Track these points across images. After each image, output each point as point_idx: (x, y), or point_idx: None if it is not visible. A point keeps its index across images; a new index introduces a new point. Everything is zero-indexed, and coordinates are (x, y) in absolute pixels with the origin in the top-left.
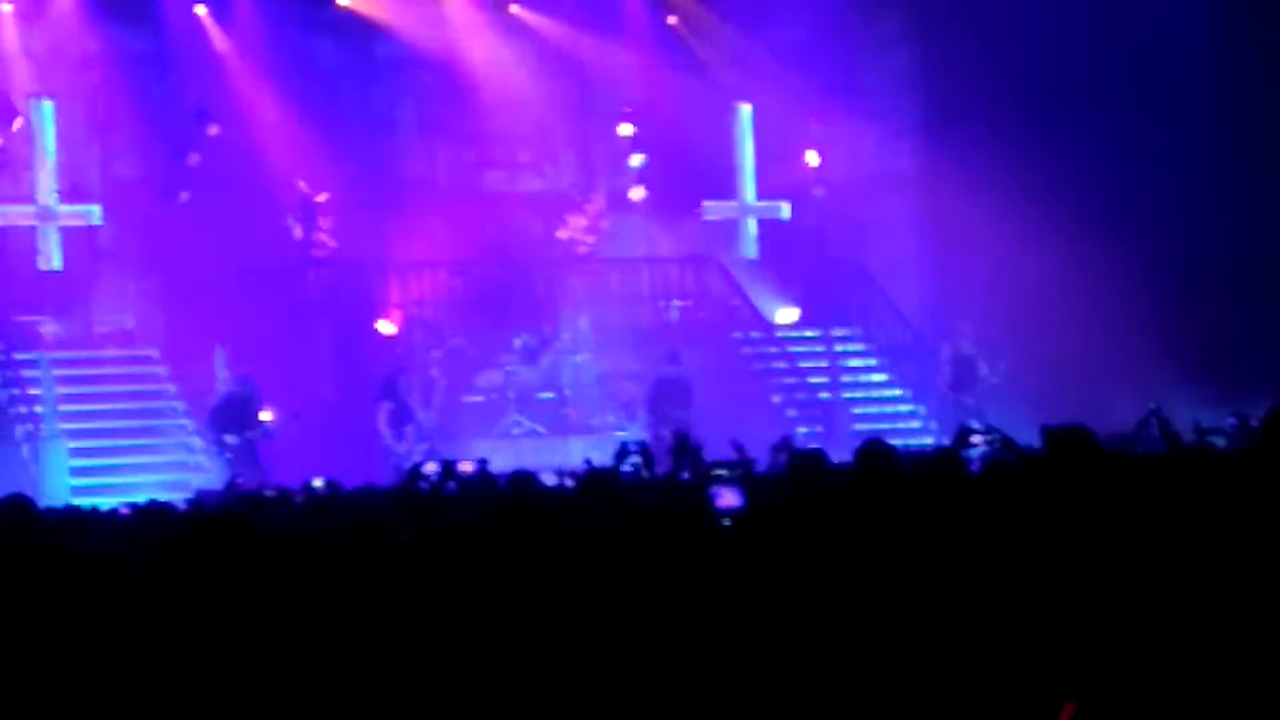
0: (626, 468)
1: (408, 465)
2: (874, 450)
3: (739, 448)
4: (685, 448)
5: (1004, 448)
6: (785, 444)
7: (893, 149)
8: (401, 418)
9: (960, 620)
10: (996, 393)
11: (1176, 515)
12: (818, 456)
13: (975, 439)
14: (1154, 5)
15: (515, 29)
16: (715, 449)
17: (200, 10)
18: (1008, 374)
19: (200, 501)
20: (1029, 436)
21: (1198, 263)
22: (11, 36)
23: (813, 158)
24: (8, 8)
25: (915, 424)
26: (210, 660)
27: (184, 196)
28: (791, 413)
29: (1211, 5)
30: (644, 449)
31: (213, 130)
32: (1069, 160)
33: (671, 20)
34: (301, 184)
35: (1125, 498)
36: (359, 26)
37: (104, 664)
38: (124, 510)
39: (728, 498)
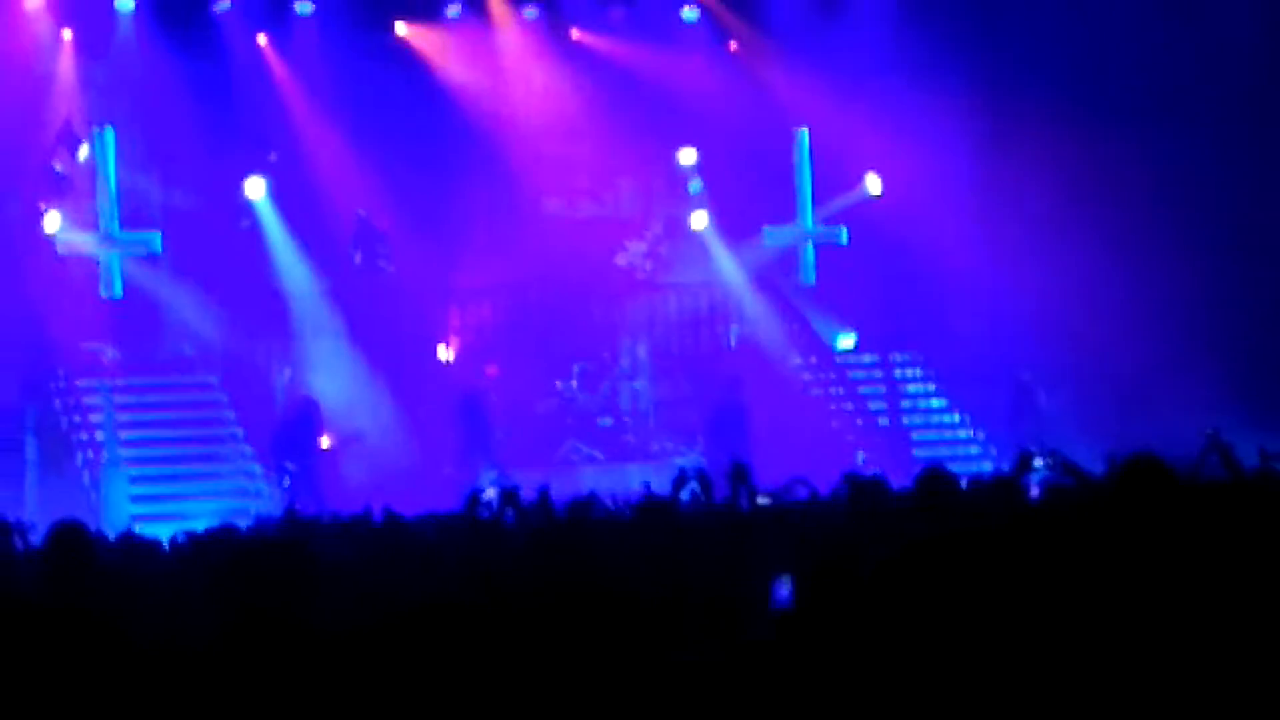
0: (684, 495)
1: (469, 492)
2: (934, 477)
3: (804, 483)
4: (742, 475)
5: (1065, 473)
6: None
7: (951, 171)
8: (474, 442)
9: (1026, 650)
10: (1056, 418)
11: (1243, 545)
12: (877, 485)
13: (1036, 464)
14: (1216, 21)
15: (575, 54)
16: (775, 476)
17: (261, 39)
18: (1068, 398)
19: (260, 527)
20: (1090, 461)
21: (1260, 284)
22: (73, 64)
23: (873, 183)
24: (69, 35)
25: (974, 449)
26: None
27: (245, 224)
28: (850, 438)
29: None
30: (702, 475)
31: (272, 157)
32: (1130, 182)
33: (733, 45)
34: (361, 211)
35: (1193, 527)
36: (418, 54)
37: (163, 690)
38: (181, 538)
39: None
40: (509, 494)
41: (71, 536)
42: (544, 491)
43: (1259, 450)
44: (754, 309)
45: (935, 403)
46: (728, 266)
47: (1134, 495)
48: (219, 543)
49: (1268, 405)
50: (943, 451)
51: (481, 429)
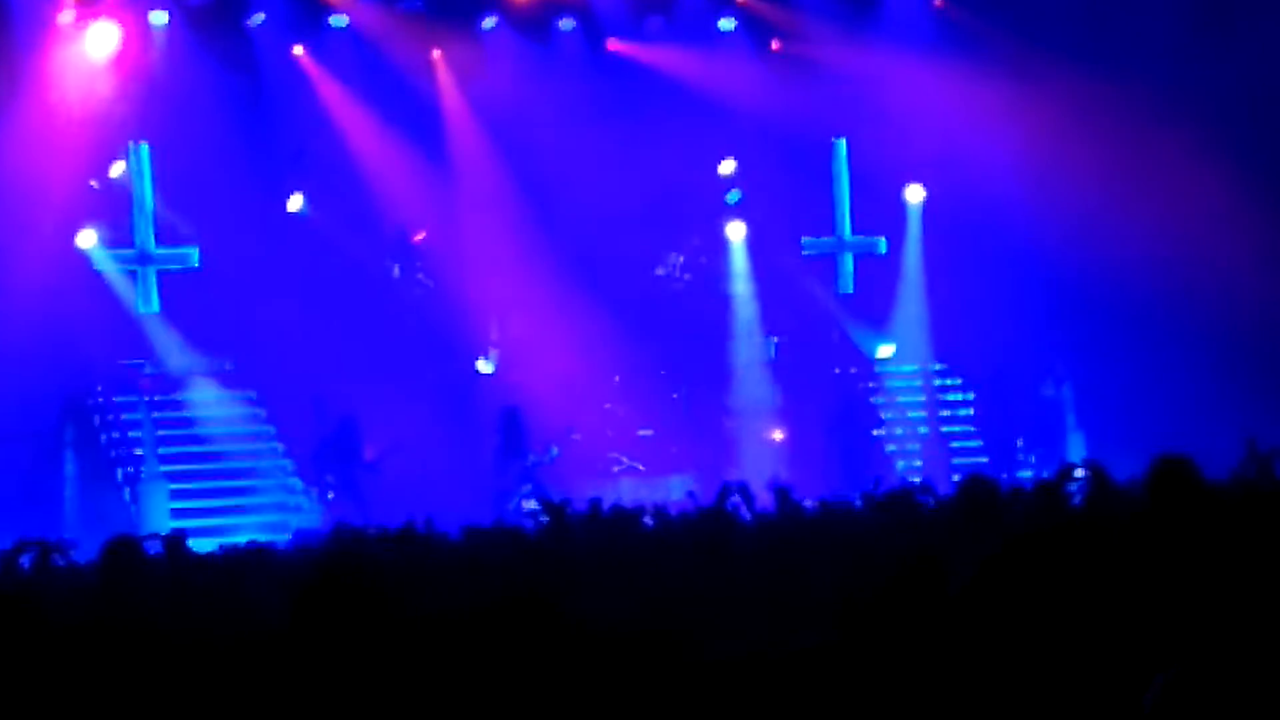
0: (728, 507)
1: (511, 505)
2: (977, 484)
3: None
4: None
5: (1098, 480)
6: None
7: (995, 182)
8: (512, 454)
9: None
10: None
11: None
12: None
13: (1077, 473)
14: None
15: (612, 65)
16: (813, 487)
17: (298, 50)
18: (1113, 406)
19: (302, 542)
20: (1132, 468)
21: None
22: (107, 80)
23: (913, 193)
24: (102, 50)
25: (1016, 458)
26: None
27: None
28: (891, 448)
29: None
30: (744, 488)
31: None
32: (1179, 188)
33: (775, 45)
34: (402, 226)
35: (1227, 535)
36: (454, 68)
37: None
38: (221, 552)
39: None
40: (554, 507)
41: (125, 550)
42: (595, 504)
43: None
44: (793, 319)
45: (972, 411)
46: (766, 277)
47: (1168, 500)
48: (261, 556)
49: None
50: (981, 459)
51: (519, 441)
